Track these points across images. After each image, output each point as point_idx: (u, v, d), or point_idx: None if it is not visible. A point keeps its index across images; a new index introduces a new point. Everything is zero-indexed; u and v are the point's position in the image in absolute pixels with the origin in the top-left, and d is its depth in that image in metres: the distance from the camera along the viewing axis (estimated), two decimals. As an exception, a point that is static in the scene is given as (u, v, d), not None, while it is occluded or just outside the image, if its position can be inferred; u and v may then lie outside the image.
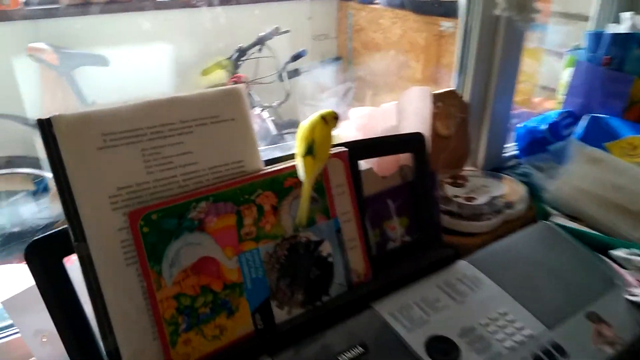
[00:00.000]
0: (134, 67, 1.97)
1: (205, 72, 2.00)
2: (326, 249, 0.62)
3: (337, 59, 2.63)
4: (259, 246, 0.57)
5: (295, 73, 2.21)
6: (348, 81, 2.53)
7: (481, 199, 0.83)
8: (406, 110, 0.76)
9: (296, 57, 2.07)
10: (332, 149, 0.62)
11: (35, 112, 1.79)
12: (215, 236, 0.54)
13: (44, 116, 0.48)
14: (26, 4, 1.83)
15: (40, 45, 1.63)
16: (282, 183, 0.59)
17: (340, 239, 0.63)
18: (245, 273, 0.56)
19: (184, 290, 0.52)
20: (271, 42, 2.03)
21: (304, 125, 0.61)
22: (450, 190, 0.85)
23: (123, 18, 2.14)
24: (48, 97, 1.81)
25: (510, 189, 0.89)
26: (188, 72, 2.15)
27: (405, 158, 0.73)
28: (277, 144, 1.72)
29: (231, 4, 2.36)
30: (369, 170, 0.70)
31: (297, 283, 0.60)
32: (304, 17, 2.58)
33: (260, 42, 1.98)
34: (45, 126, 0.47)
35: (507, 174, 0.97)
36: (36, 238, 0.49)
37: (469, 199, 0.83)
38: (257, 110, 1.98)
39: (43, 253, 0.49)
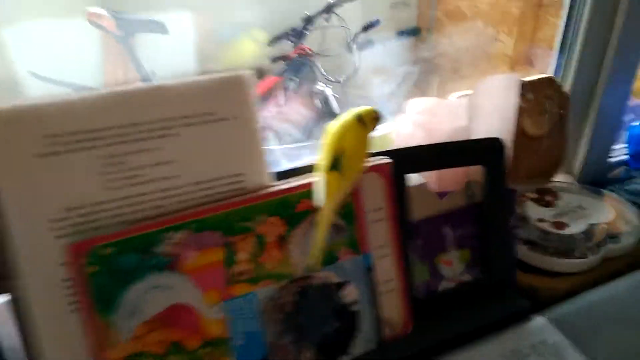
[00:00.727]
0: (194, 36, 1.88)
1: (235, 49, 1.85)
2: (351, 293, 0.47)
3: (416, 30, 2.38)
4: (256, 289, 0.43)
5: (366, 44, 2.02)
6: (426, 54, 2.29)
7: (575, 227, 0.63)
8: (482, 106, 0.57)
9: (368, 26, 1.86)
10: (368, 159, 0.46)
11: (98, 80, 1.76)
12: (194, 277, 0.41)
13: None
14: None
15: (99, 10, 1.57)
16: (294, 206, 0.44)
17: (371, 280, 0.47)
18: (234, 325, 0.42)
19: (147, 347, 0.39)
20: (341, 10, 1.84)
21: (333, 128, 0.44)
22: (534, 211, 0.65)
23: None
24: (110, 66, 1.76)
25: (615, 213, 0.67)
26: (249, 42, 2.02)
27: (474, 171, 0.54)
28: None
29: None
30: (422, 186, 0.53)
31: (307, 338, 0.45)
32: (382, -18, 2.35)
33: (329, 9, 1.80)
34: (-34, 124, 0.35)
35: (613, 190, 0.74)
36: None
37: (559, 225, 0.63)
38: (321, 86, 1.82)
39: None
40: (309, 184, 0.44)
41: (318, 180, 0.44)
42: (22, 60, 1.66)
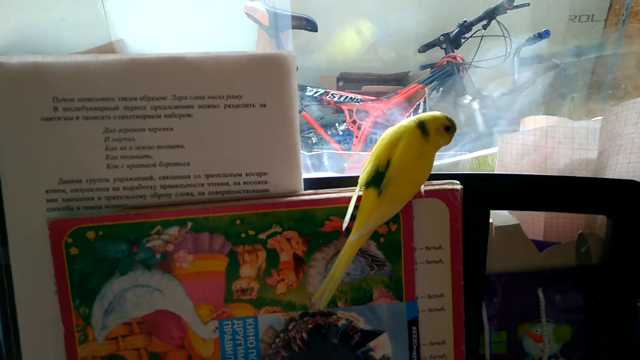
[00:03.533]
0: (344, 36, 1.86)
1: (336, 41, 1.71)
2: (382, 348, 0.36)
3: (600, 47, 2.04)
4: (259, 314, 0.35)
5: (532, 59, 1.78)
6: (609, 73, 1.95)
7: None
8: (621, 136, 0.41)
9: (534, 38, 1.64)
10: (425, 182, 0.35)
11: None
12: (188, 284, 0.34)
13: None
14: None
15: (256, 4, 1.63)
16: (320, 223, 0.35)
17: (413, 337, 0.36)
18: (227, 350, 0.35)
19: (122, 351, 0.34)
20: (505, 17, 1.65)
21: (387, 133, 0.35)
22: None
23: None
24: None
25: None
26: (403, 49, 1.93)
27: (595, 222, 0.39)
28: (478, 144, 1.38)
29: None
30: (513, 228, 0.40)
31: (313, 391, 0.36)
32: (564, -11, 2.06)
33: (489, 16, 1.62)
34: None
35: None
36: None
37: None
38: (468, 99, 1.65)
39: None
40: (345, 199, 0.35)
41: (353, 196, 0.34)
42: (186, 46, 1.81)
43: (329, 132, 1.80)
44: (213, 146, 0.35)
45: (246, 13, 1.65)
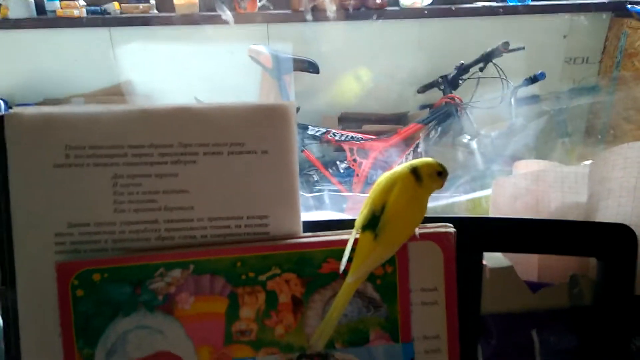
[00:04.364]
0: (345, 78, 1.91)
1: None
2: (379, 390, 0.37)
3: (595, 89, 2.08)
4: (257, 356, 0.36)
5: (530, 100, 1.82)
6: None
7: None
8: (610, 180, 0.42)
9: (531, 80, 1.68)
10: (420, 225, 0.36)
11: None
12: (189, 326, 0.35)
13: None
14: (261, 8, 1.94)
15: (259, 47, 1.69)
16: (318, 265, 0.36)
17: (411, 379, 0.37)
18: (225, 393, 0.36)
19: (122, 393, 0.35)
20: (501, 60, 1.70)
21: (382, 178, 0.36)
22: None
23: (354, 25, 2.09)
24: (264, 99, 1.88)
25: None
26: (403, 89, 1.98)
27: (583, 264, 0.40)
28: (474, 185, 1.40)
29: (468, 16, 2.09)
30: (506, 270, 0.41)
31: None
32: (557, 34, 2.12)
33: (485, 59, 1.67)
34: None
35: None
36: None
37: None
38: (466, 138, 1.68)
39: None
40: (342, 242, 0.36)
41: (350, 239, 0.36)
42: (192, 88, 1.86)
43: (330, 170, 1.82)
44: (216, 191, 0.37)
45: (250, 56, 1.71)
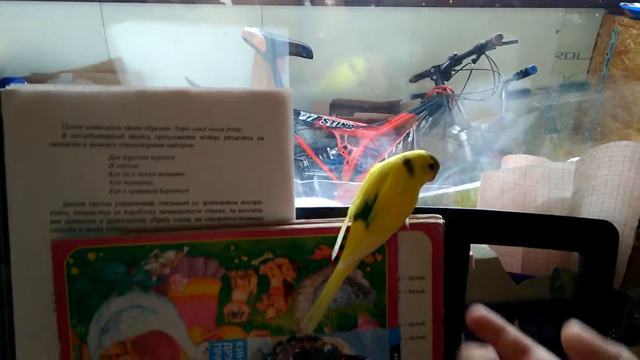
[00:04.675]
0: (339, 65, 1.91)
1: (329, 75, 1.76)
2: (365, 373, 0.38)
3: (584, 85, 2.11)
4: (248, 337, 0.37)
5: (520, 93, 1.84)
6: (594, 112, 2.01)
7: None
8: (594, 178, 0.44)
9: (522, 74, 1.69)
10: (410, 215, 0.37)
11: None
12: (181, 306, 0.36)
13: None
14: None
15: (254, 30, 1.68)
16: (310, 251, 0.37)
17: (395, 363, 0.38)
18: (215, 373, 0.37)
19: (114, 370, 0.36)
20: (494, 52, 1.70)
21: (375, 169, 0.37)
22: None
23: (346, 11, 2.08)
24: (256, 82, 1.87)
25: None
26: (395, 78, 1.98)
27: (565, 257, 0.42)
28: (463, 177, 1.41)
29: (464, 7, 2.09)
30: (491, 262, 0.42)
31: (297, 413, 0.37)
32: (550, 29, 2.14)
33: (479, 51, 1.67)
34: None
35: None
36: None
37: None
38: (456, 129, 1.69)
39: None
40: (334, 229, 0.37)
41: (342, 227, 0.36)
42: (183, 67, 1.84)
43: (321, 157, 1.83)
44: (212, 175, 0.37)
45: (244, 38, 1.69)
